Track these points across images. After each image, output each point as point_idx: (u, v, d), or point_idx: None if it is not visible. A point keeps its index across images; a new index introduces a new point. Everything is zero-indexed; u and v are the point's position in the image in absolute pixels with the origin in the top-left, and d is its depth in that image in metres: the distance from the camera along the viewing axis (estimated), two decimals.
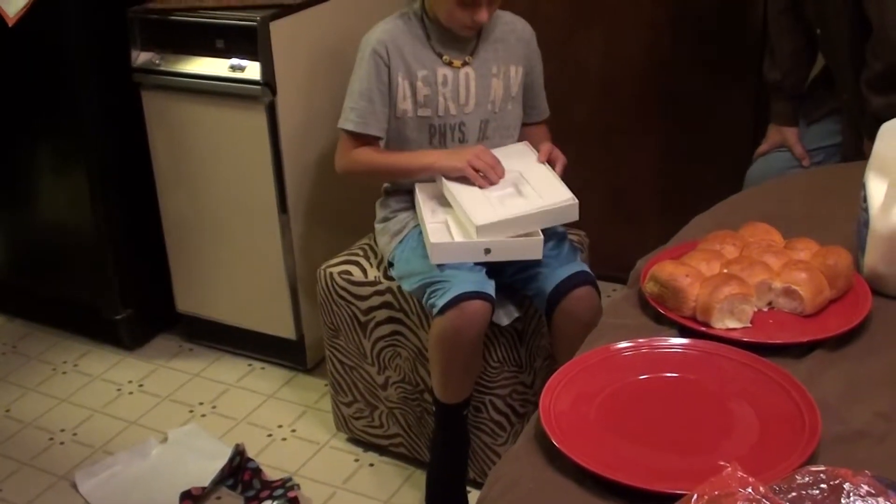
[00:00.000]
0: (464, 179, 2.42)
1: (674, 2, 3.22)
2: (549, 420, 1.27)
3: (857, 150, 2.48)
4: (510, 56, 2.56)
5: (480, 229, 2.28)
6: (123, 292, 3.28)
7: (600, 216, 3.49)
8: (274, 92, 2.82)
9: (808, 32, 2.62)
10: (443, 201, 2.50)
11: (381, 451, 2.78)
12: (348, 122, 2.51)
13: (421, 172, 2.51)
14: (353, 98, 2.50)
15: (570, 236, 2.59)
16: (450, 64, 2.49)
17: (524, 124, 2.68)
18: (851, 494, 1.12)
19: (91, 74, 3.01)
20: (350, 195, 3.06)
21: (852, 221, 1.70)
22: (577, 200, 2.34)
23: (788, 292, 1.54)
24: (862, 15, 2.34)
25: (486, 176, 2.40)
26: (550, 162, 2.49)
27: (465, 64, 2.50)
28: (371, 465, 2.75)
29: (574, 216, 2.36)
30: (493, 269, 2.38)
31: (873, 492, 1.12)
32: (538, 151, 2.51)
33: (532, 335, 2.57)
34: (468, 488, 2.56)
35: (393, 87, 2.48)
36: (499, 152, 2.49)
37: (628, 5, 3.25)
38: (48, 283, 3.47)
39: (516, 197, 2.40)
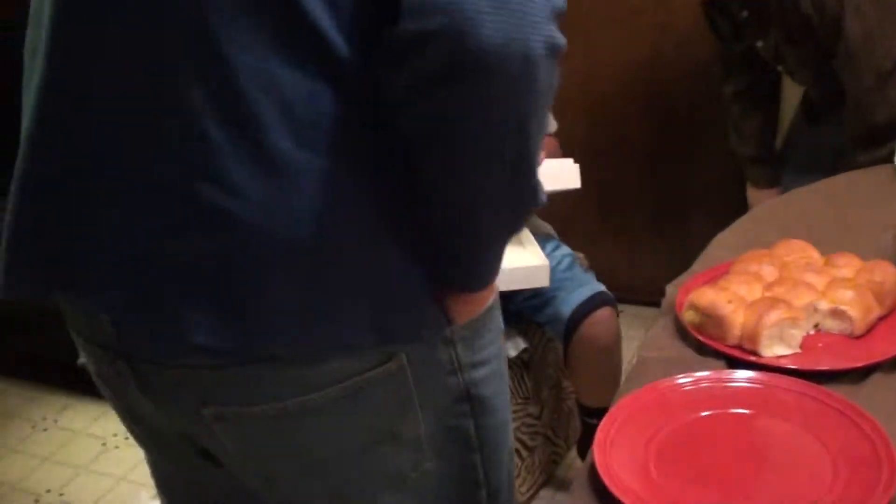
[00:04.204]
0: None
1: (654, 7, 3.15)
2: (608, 472, 1.17)
3: None
4: None
5: None
6: None
7: (589, 234, 3.41)
8: None
9: (770, 105, 2.67)
10: None
11: None
12: None
13: None
14: None
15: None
16: None
17: None
18: None
19: None
20: None
21: (884, 230, 1.61)
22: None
23: (836, 313, 1.45)
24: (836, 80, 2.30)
25: None
26: None
27: None
28: None
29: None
30: (500, 298, 2.28)
31: None
32: None
33: (538, 365, 2.47)
34: None
35: None
36: None
37: (605, 12, 3.18)
38: (20, 340, 3.33)
39: None
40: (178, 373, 1.04)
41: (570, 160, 2.28)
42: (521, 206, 1.05)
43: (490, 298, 1.15)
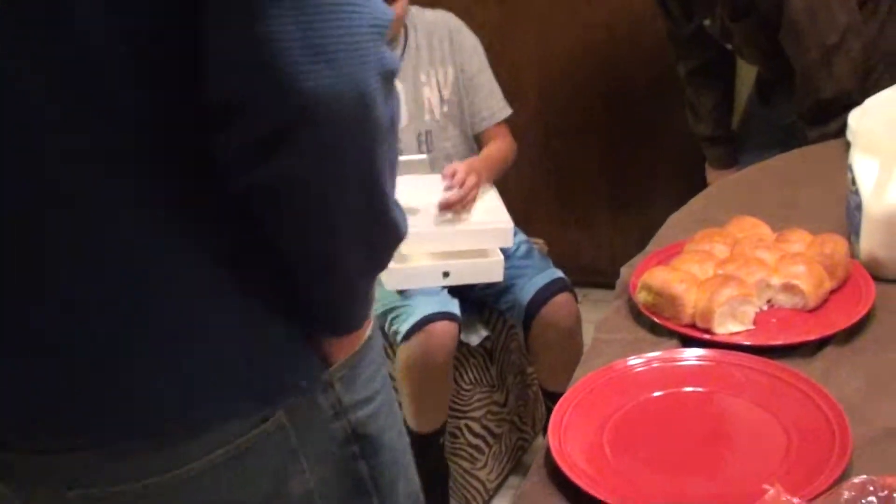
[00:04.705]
0: None
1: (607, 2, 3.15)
2: (562, 456, 1.16)
3: None
4: (435, 58, 2.44)
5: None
6: None
7: (550, 219, 3.42)
8: None
9: (723, 84, 2.69)
10: None
11: None
12: None
13: None
14: None
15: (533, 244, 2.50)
16: None
17: (481, 132, 2.54)
18: None
19: None
20: None
21: (836, 205, 1.61)
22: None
23: (788, 287, 1.45)
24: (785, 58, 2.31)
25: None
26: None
27: None
28: None
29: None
30: (460, 287, 2.28)
31: None
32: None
33: (502, 352, 2.47)
34: None
35: None
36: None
37: (562, 6, 3.18)
38: None
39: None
40: (43, 459, 0.97)
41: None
42: (382, 244, 0.98)
43: (367, 331, 1.07)
